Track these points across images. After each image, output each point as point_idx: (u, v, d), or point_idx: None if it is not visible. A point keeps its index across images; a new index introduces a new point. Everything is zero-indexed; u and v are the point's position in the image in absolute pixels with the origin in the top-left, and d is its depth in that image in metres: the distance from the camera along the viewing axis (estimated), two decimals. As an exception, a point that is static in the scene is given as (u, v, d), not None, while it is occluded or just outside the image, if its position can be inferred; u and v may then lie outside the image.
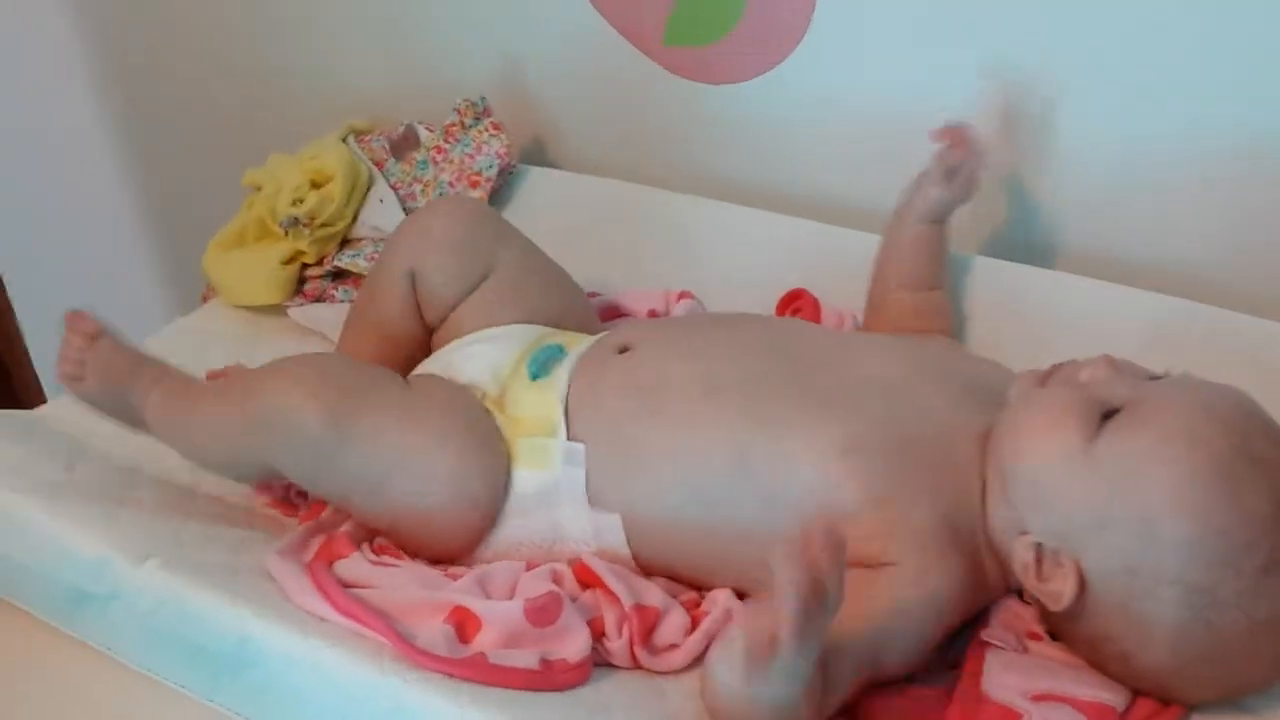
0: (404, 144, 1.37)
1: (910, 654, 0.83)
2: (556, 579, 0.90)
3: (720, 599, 0.90)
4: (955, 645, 0.86)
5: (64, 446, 1.03)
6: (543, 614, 0.86)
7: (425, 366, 1.05)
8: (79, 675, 0.93)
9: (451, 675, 0.81)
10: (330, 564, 0.91)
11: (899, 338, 1.03)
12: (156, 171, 1.81)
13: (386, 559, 0.93)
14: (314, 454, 0.92)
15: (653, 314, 1.17)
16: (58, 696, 0.93)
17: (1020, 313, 1.12)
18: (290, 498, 1.03)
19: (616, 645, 0.87)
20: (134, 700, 0.91)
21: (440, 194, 1.32)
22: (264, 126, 1.62)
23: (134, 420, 1.01)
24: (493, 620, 0.85)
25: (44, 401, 1.15)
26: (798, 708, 0.74)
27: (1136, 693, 0.83)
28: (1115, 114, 1.11)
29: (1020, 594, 0.90)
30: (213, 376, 1.08)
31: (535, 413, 0.95)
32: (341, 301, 1.27)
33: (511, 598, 0.88)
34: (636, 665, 0.87)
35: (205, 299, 1.32)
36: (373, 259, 1.26)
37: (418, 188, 1.33)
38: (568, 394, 0.96)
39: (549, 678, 0.83)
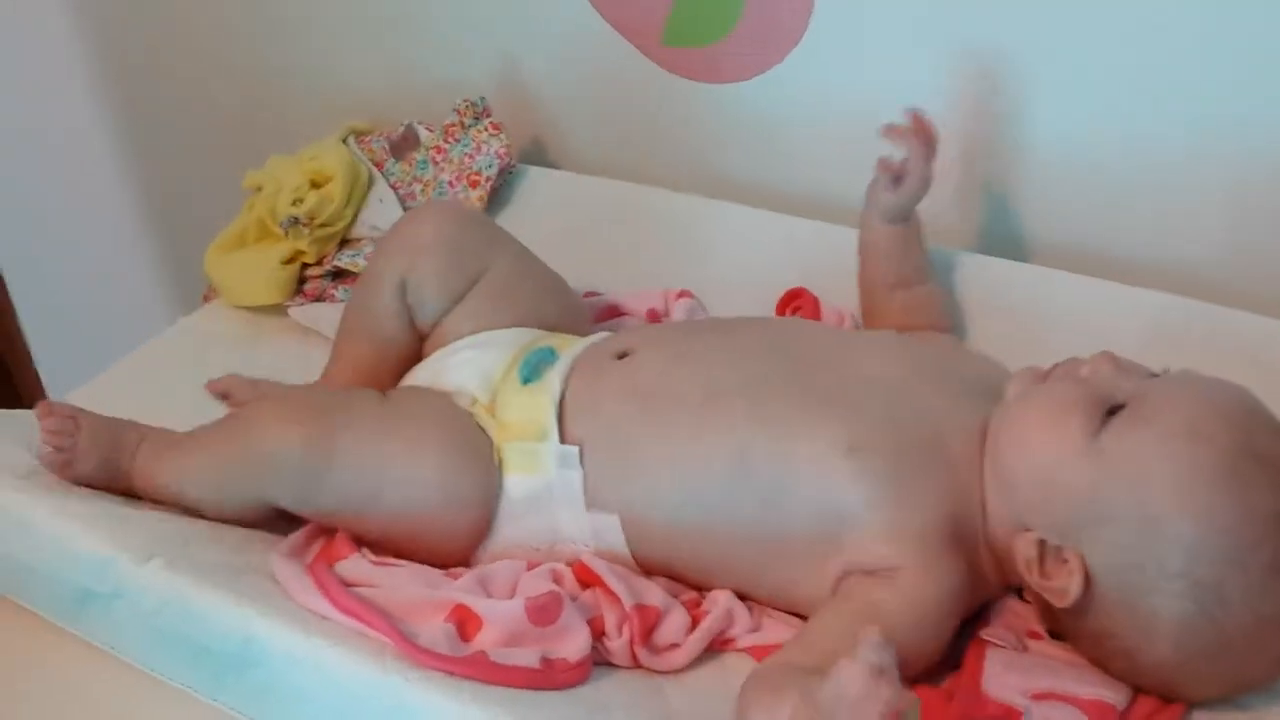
0: (404, 144, 1.37)
1: (926, 655, 0.83)
2: (557, 578, 0.91)
3: (721, 599, 0.90)
4: (954, 645, 0.86)
5: (67, 446, 1.03)
6: (543, 613, 0.86)
7: (414, 374, 1.05)
8: (82, 674, 0.93)
9: (453, 674, 0.81)
10: (331, 564, 0.91)
11: (899, 336, 1.02)
12: (157, 171, 1.81)
13: (387, 559, 0.93)
14: (301, 479, 0.92)
15: (652, 313, 1.18)
16: (61, 696, 0.93)
17: (1017, 310, 1.12)
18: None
19: (617, 644, 0.87)
20: (137, 700, 0.91)
21: (440, 194, 1.32)
22: (264, 127, 1.62)
23: (127, 488, 0.98)
24: (494, 619, 0.86)
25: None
26: None
27: (1138, 690, 0.83)
28: (1115, 113, 1.11)
29: (1020, 592, 0.90)
30: (211, 387, 1.07)
31: (525, 416, 0.95)
32: (341, 301, 1.27)
33: (512, 597, 0.88)
34: (637, 664, 0.88)
35: (207, 299, 1.33)
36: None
37: (417, 187, 1.33)
38: (563, 398, 0.96)
39: (549, 676, 0.83)
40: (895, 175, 1.07)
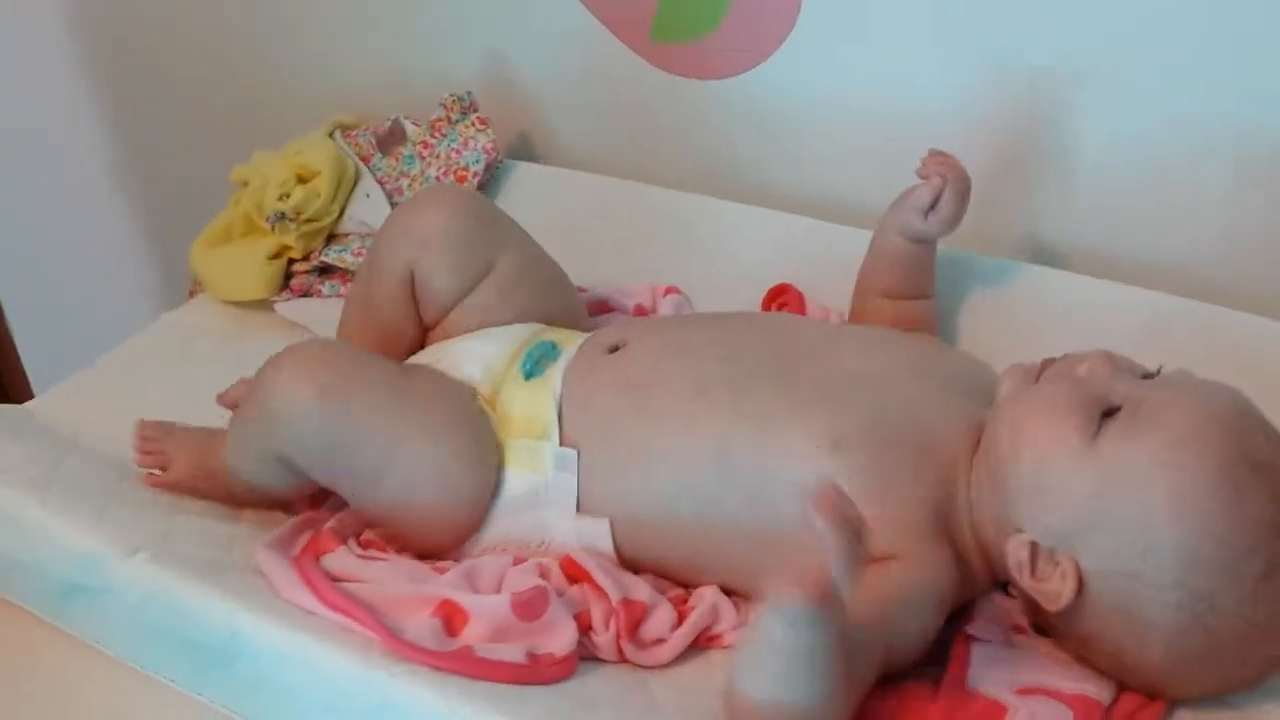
0: (390, 139, 1.37)
1: (914, 646, 0.83)
2: (543, 573, 0.90)
3: (707, 595, 0.90)
4: (940, 641, 0.86)
5: (54, 441, 1.03)
6: (529, 608, 0.86)
7: (414, 361, 1.04)
8: (70, 669, 0.93)
9: (439, 668, 0.82)
10: (317, 558, 0.91)
11: (885, 332, 1.02)
12: (155, 171, 1.81)
13: (373, 553, 0.93)
14: (314, 435, 0.91)
15: (640, 309, 1.18)
16: (49, 690, 0.93)
17: (1017, 310, 1.12)
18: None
19: (603, 639, 0.87)
20: (125, 694, 0.91)
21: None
22: (262, 126, 1.61)
23: (226, 491, 0.99)
24: (480, 614, 0.86)
25: (32, 397, 1.15)
26: (828, 706, 0.73)
27: (1123, 687, 0.83)
28: (1115, 113, 1.11)
29: (1004, 587, 0.90)
30: (222, 400, 1.06)
31: (528, 412, 0.96)
32: (328, 296, 1.27)
33: (498, 592, 0.88)
34: (623, 659, 0.88)
35: (192, 294, 1.32)
36: (359, 254, 1.26)
37: (404, 182, 1.33)
38: (560, 393, 0.96)
39: (536, 671, 0.84)
40: (927, 206, 1.03)
